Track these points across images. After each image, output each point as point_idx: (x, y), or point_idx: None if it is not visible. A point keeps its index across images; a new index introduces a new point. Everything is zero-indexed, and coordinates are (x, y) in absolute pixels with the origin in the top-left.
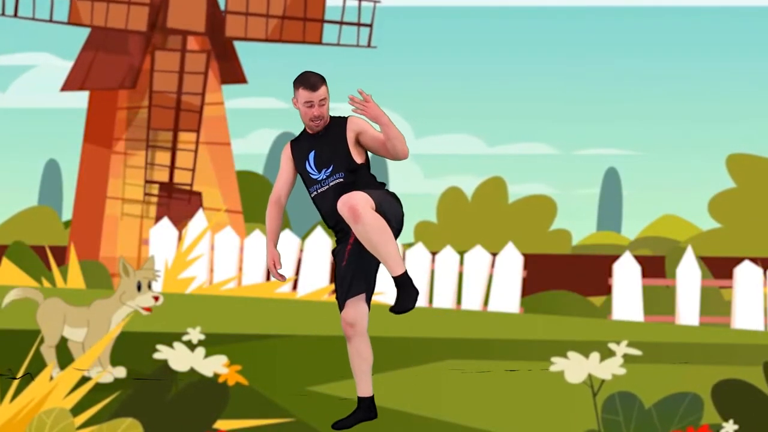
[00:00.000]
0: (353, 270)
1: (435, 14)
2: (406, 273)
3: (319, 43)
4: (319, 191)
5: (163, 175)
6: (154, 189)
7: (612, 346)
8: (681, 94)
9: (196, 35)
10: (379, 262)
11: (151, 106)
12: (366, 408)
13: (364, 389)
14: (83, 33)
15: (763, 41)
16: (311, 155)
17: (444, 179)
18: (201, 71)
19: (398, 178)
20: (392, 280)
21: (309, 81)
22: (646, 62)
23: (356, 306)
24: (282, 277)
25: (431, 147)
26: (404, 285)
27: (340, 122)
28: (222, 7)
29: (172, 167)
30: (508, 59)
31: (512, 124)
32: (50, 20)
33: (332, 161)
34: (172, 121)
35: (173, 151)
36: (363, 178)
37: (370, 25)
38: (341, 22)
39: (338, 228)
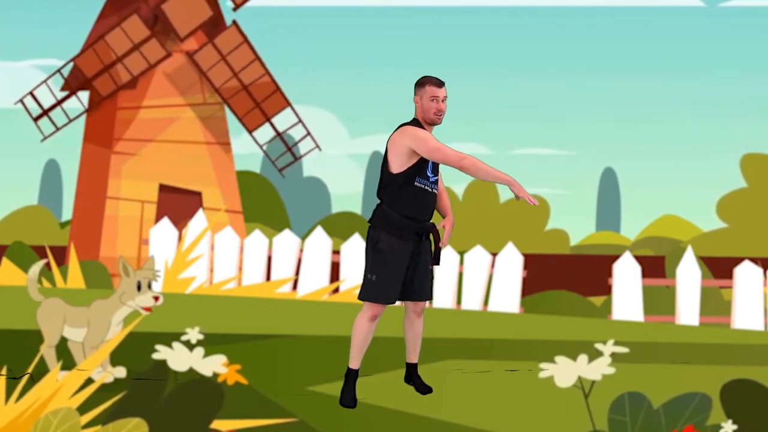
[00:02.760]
0: (424, 272)
1: (368, 14)
2: None
3: (249, 131)
4: (424, 186)
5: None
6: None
7: (599, 346)
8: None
9: (175, 35)
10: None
11: (89, 46)
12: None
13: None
14: (23, 36)
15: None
16: None
17: None
18: (149, 61)
19: (337, 176)
20: None
21: (436, 79)
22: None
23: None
24: (533, 202)
25: (367, 147)
26: None
27: None
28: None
29: (60, 102)
30: (442, 59)
31: (448, 124)
32: None
33: (437, 171)
34: (93, 73)
35: (71, 92)
36: None
37: (297, 159)
38: (279, 134)
39: (421, 224)
